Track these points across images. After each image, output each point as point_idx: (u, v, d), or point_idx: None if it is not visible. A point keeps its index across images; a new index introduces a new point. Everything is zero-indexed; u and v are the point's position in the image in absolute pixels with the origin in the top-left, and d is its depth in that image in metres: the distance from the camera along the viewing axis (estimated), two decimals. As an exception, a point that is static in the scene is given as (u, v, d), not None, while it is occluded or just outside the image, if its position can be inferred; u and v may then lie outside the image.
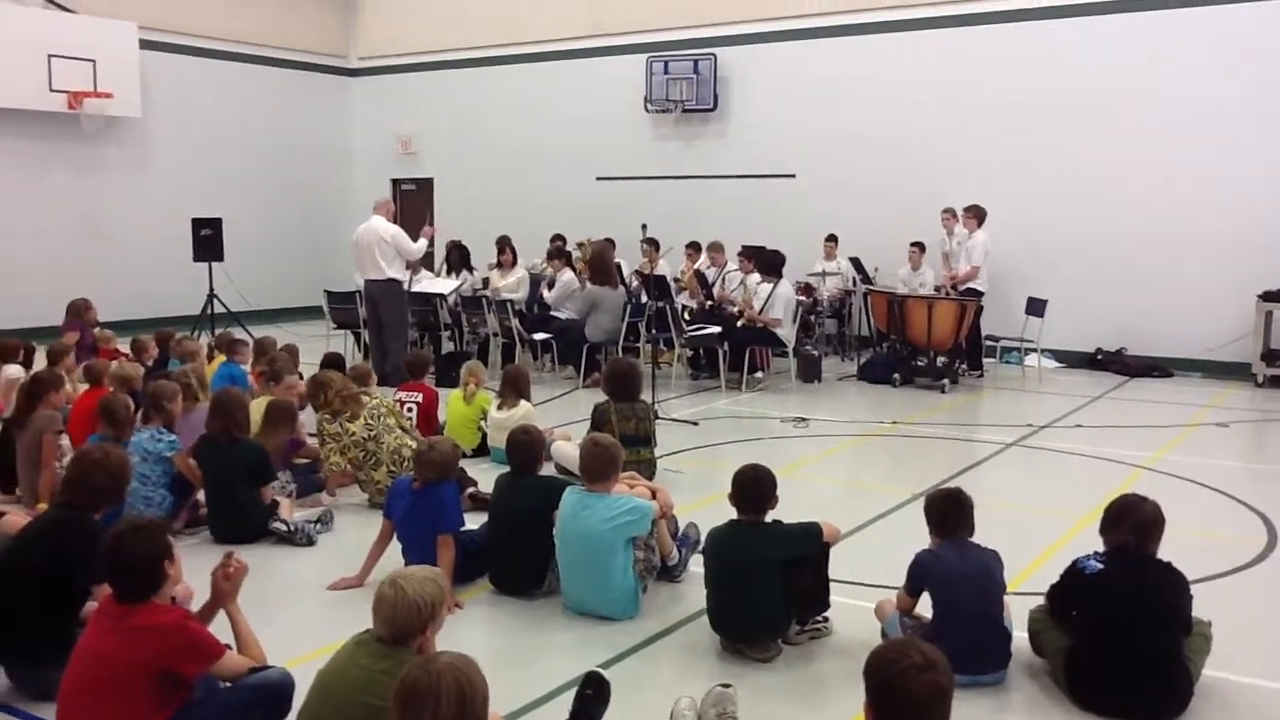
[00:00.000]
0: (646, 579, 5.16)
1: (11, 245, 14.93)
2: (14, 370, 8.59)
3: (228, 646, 3.67)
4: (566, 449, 7.43)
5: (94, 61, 15.10)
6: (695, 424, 9.54)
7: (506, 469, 5.56)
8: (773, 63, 15.25)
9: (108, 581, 3.53)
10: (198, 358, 9.09)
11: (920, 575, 4.44)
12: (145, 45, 15.99)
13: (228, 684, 3.68)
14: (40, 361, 8.69)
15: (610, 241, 12.85)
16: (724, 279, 13.04)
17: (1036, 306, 12.25)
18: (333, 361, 9.13)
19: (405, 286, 11.93)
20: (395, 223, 11.81)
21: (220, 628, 3.84)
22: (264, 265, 17.27)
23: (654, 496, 5.31)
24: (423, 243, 11.89)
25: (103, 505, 4.44)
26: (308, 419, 7.70)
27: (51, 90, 14.80)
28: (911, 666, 2.56)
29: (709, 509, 5.89)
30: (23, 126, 14.97)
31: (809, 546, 4.63)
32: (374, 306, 11.64)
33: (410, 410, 8.10)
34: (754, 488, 4.63)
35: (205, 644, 3.53)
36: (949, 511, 4.49)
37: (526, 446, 5.44)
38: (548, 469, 7.14)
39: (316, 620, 4.98)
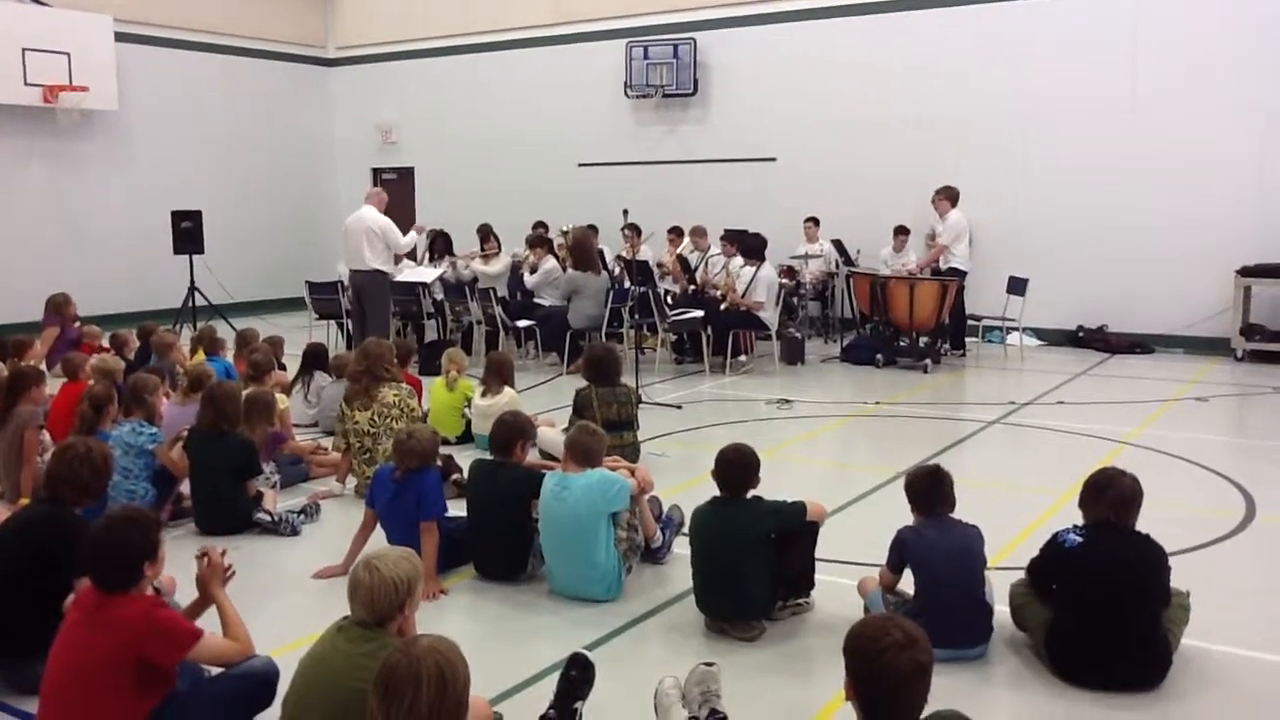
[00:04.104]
0: (630, 560, 5.19)
1: (-11, 241, 14.83)
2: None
3: (213, 634, 3.66)
4: (550, 435, 7.43)
5: (69, 55, 14.94)
6: (679, 408, 9.56)
7: (484, 455, 5.56)
8: (752, 46, 15.22)
9: (87, 569, 3.51)
10: (174, 350, 9.05)
11: (902, 551, 4.47)
12: (121, 38, 15.83)
13: (217, 670, 3.68)
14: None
15: (593, 228, 12.84)
16: (707, 263, 13.04)
17: (1018, 285, 12.30)
18: (315, 351, 9.13)
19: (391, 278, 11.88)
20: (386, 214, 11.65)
21: (209, 620, 3.84)
22: (245, 257, 17.17)
23: (633, 476, 5.33)
24: (412, 236, 11.83)
25: (85, 500, 4.42)
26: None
27: (27, 84, 14.62)
28: (892, 644, 2.59)
29: (693, 491, 5.91)
30: (-2, 121, 14.86)
31: (790, 521, 4.68)
32: (358, 297, 11.57)
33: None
34: (738, 467, 4.67)
35: (177, 631, 3.49)
36: (929, 488, 4.53)
37: (513, 427, 5.45)
38: (533, 455, 7.17)
39: (302, 609, 4.98)
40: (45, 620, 4.02)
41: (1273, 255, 11.92)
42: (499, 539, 5.28)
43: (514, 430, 5.44)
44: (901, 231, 13.34)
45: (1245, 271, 11.96)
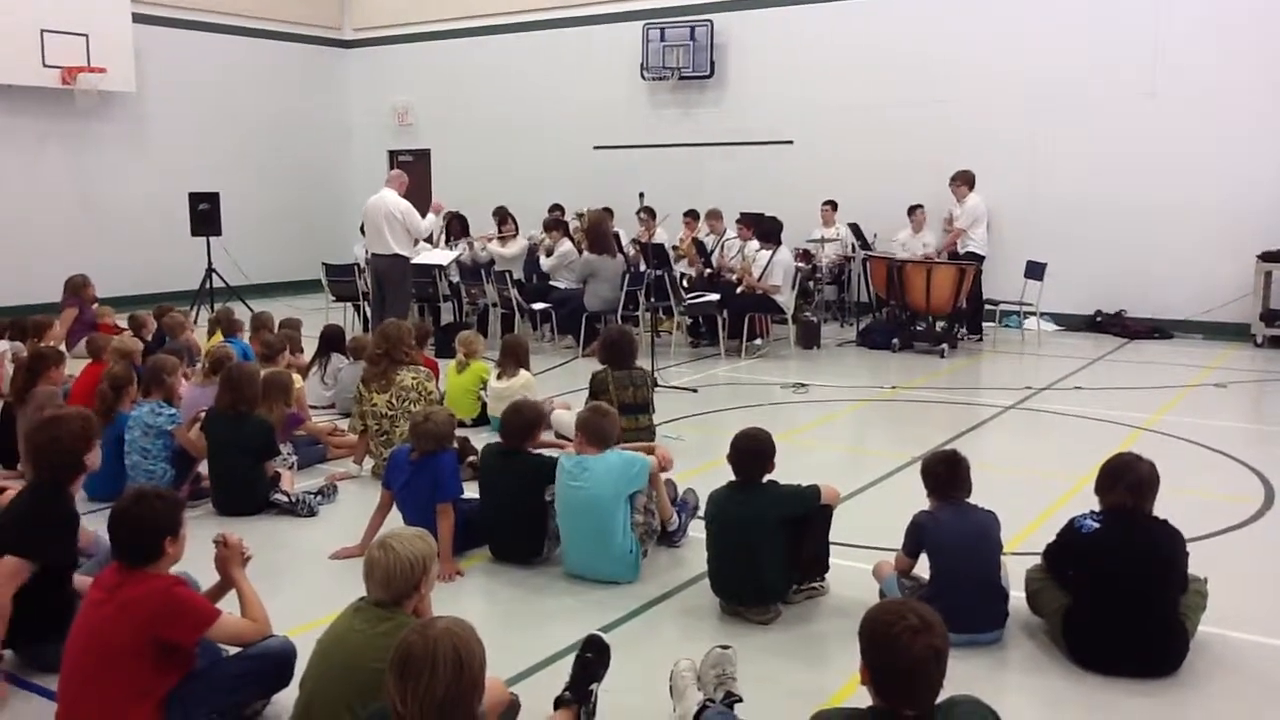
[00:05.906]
0: (646, 543, 5.19)
1: (8, 223, 14.86)
2: (1, 345, 8.64)
3: (230, 614, 3.69)
4: (566, 418, 7.43)
5: (87, 36, 14.97)
6: (695, 391, 9.55)
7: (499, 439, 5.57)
8: (768, 29, 15.13)
9: (110, 542, 3.53)
10: (184, 331, 9.09)
11: (918, 536, 4.46)
12: (138, 19, 15.85)
13: (236, 649, 3.70)
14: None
15: (608, 211, 12.82)
16: (723, 246, 13.01)
17: (1035, 269, 12.23)
18: (332, 334, 9.15)
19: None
20: (407, 196, 11.54)
21: (228, 601, 3.86)
22: (262, 239, 17.20)
23: (652, 455, 5.34)
24: (431, 219, 11.80)
25: (68, 477, 4.25)
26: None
27: (45, 66, 14.68)
28: (907, 629, 2.57)
29: (708, 475, 5.91)
30: (16, 103, 14.88)
31: (805, 506, 4.67)
32: (378, 280, 11.53)
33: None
34: (752, 451, 4.66)
35: (195, 610, 3.51)
36: (945, 473, 4.51)
37: (526, 417, 5.44)
38: (547, 438, 7.18)
39: (319, 589, 5.01)
40: (54, 600, 4.02)
41: (1294, 240, 11.84)
42: (514, 524, 5.29)
43: (527, 420, 5.42)
44: (917, 209, 13.22)
45: (1266, 256, 11.87)
